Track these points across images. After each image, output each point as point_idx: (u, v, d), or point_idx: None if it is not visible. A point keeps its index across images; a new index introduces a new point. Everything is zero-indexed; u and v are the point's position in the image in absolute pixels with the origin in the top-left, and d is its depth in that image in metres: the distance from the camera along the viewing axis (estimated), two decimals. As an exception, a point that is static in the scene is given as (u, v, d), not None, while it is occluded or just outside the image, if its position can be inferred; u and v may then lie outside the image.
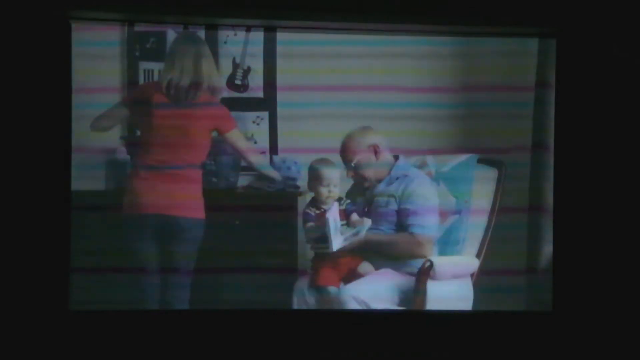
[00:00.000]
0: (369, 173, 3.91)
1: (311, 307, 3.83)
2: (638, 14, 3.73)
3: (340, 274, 3.83)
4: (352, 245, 3.82)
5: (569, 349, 3.73)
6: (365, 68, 4.13)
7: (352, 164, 3.89)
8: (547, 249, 3.88)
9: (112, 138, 3.95)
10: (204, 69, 3.83)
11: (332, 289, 3.79)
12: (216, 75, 3.93)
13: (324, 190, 3.86)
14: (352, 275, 3.82)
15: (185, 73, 3.81)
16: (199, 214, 3.82)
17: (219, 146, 4.03)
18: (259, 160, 4.09)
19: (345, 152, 3.92)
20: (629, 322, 3.72)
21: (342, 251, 3.81)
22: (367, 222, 3.82)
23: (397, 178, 3.89)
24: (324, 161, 3.89)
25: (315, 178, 3.89)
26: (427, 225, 3.82)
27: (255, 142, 4.29)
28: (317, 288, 3.82)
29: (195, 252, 3.82)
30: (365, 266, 3.83)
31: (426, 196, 3.84)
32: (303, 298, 3.86)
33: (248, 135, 4.30)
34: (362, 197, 3.95)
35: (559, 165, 3.81)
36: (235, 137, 3.93)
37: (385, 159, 3.93)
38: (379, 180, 3.92)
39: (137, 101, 3.84)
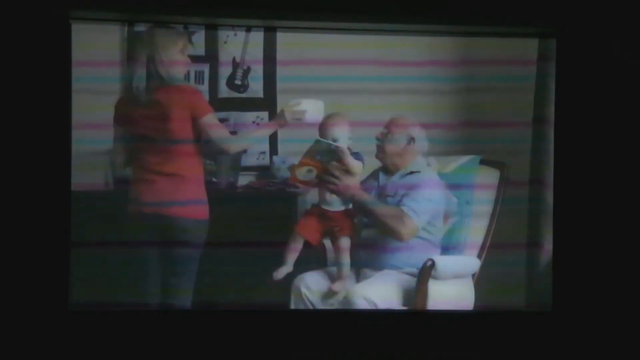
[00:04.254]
0: (394, 157, 3.93)
1: (307, 300, 3.84)
2: (638, 14, 3.74)
3: (323, 227, 3.85)
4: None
5: (569, 348, 3.73)
6: (365, 68, 4.14)
7: (384, 143, 3.92)
8: (548, 249, 3.89)
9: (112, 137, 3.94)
10: (160, 66, 3.71)
11: (300, 241, 3.82)
12: (175, 68, 3.76)
13: None
14: (334, 233, 3.84)
15: (145, 72, 3.71)
16: (202, 214, 3.80)
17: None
18: (236, 142, 3.97)
19: (387, 129, 3.92)
20: (629, 322, 3.73)
21: (337, 206, 3.84)
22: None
23: (411, 173, 3.90)
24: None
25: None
26: (419, 212, 3.78)
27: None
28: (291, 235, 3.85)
29: (198, 252, 3.80)
30: (344, 239, 3.85)
31: (430, 193, 3.84)
32: (299, 296, 3.86)
33: (248, 135, 4.31)
34: (377, 183, 3.97)
35: (559, 166, 3.82)
36: (211, 122, 3.74)
37: (412, 153, 3.93)
38: (397, 170, 3.93)
39: (120, 117, 3.80)
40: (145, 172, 3.76)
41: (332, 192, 3.83)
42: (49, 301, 3.58)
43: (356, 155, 3.83)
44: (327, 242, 3.94)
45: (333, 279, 3.87)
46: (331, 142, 3.78)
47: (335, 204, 3.85)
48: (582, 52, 3.75)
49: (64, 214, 3.62)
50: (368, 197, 3.87)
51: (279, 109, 4.27)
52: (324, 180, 3.82)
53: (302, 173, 3.82)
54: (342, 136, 3.82)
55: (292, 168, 3.87)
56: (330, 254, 3.97)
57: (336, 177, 3.81)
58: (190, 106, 3.71)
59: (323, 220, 3.86)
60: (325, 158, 3.80)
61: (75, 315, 3.63)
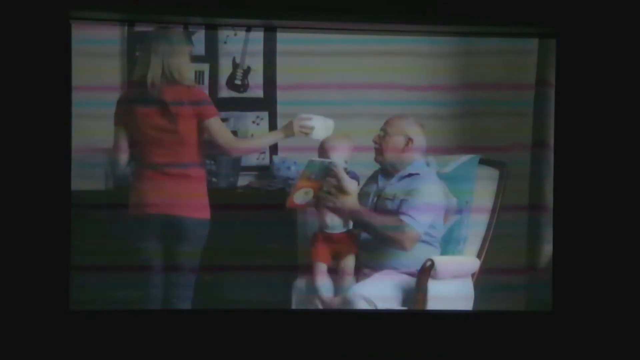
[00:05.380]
0: (392, 158, 3.91)
1: (308, 302, 3.84)
2: (638, 14, 3.73)
3: (331, 249, 3.85)
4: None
5: (569, 349, 3.74)
6: (365, 67, 4.14)
7: (380, 145, 3.91)
8: (547, 249, 3.89)
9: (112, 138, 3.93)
10: (172, 66, 3.74)
11: (322, 266, 3.83)
12: (186, 68, 3.79)
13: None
14: (341, 254, 3.84)
15: (155, 71, 3.72)
16: (205, 213, 3.81)
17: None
18: (239, 145, 4.02)
19: (384, 131, 3.92)
20: (629, 322, 3.73)
21: (338, 227, 3.85)
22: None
23: (410, 175, 3.89)
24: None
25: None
26: (419, 221, 3.77)
27: (255, 143, 4.30)
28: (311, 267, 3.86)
29: (199, 252, 3.81)
30: (349, 261, 3.85)
31: (429, 195, 3.82)
32: (302, 296, 3.87)
33: (248, 135, 4.31)
34: (376, 186, 3.95)
35: (559, 165, 3.82)
36: (217, 124, 3.79)
37: (411, 153, 3.91)
38: (396, 171, 3.92)
39: (123, 115, 3.80)
40: (149, 171, 3.76)
41: (330, 211, 3.83)
42: (49, 301, 3.58)
43: (351, 174, 3.84)
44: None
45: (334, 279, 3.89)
46: (324, 160, 3.80)
47: (336, 226, 3.86)
48: (582, 52, 3.75)
49: (64, 214, 3.62)
50: (366, 212, 3.86)
51: (279, 109, 4.30)
52: (321, 200, 3.83)
53: (299, 197, 3.84)
54: (337, 157, 3.83)
55: (289, 196, 3.87)
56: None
57: (332, 195, 3.81)
58: (198, 107, 3.73)
59: (329, 243, 3.87)
60: (321, 177, 3.80)
61: (75, 315, 3.64)
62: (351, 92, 4.09)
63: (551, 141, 3.88)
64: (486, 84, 4.06)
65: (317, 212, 3.88)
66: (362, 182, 3.96)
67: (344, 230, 3.87)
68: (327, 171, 3.79)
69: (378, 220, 3.83)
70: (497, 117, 4.03)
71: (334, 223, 3.86)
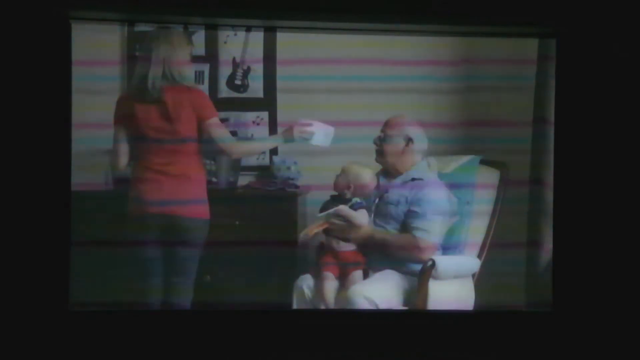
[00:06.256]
0: (393, 159, 3.92)
1: (309, 301, 3.84)
2: (638, 14, 3.74)
3: (340, 266, 3.85)
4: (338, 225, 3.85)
5: (569, 348, 3.73)
6: (365, 67, 4.15)
7: (381, 147, 3.93)
8: (547, 250, 3.89)
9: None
10: (173, 66, 3.74)
11: (329, 275, 3.83)
12: (186, 69, 3.80)
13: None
14: (349, 271, 3.84)
15: (155, 71, 3.73)
16: (204, 214, 3.81)
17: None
18: (238, 147, 4.03)
19: (384, 132, 3.93)
20: (629, 321, 3.72)
21: (346, 246, 3.86)
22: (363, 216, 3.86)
23: (413, 179, 3.89)
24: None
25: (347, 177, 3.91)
26: (432, 231, 3.80)
27: (255, 143, 4.30)
28: (318, 276, 3.86)
29: (199, 252, 3.81)
30: (358, 275, 3.86)
31: (436, 202, 3.83)
32: (302, 296, 3.87)
33: (248, 135, 4.32)
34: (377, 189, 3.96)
35: (559, 169, 3.81)
36: (216, 126, 3.80)
37: (411, 154, 3.92)
38: (398, 173, 3.92)
39: (123, 115, 3.80)
40: (149, 172, 3.76)
41: (343, 240, 3.88)
42: (49, 301, 3.58)
43: (357, 205, 3.87)
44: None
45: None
46: (328, 212, 3.85)
47: (345, 245, 3.88)
48: (582, 52, 3.75)
49: (64, 214, 3.61)
50: (379, 235, 3.87)
51: (279, 109, 4.31)
52: (333, 231, 3.87)
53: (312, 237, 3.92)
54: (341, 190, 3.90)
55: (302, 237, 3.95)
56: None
57: (345, 229, 3.85)
58: (198, 107, 3.74)
59: (337, 257, 3.87)
60: (331, 219, 3.87)
61: (75, 315, 3.63)
62: (351, 92, 4.10)
63: (551, 143, 3.87)
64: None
65: (326, 237, 3.90)
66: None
67: (352, 248, 3.88)
68: (335, 217, 3.85)
69: (392, 240, 3.84)
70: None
71: (342, 243, 3.88)
